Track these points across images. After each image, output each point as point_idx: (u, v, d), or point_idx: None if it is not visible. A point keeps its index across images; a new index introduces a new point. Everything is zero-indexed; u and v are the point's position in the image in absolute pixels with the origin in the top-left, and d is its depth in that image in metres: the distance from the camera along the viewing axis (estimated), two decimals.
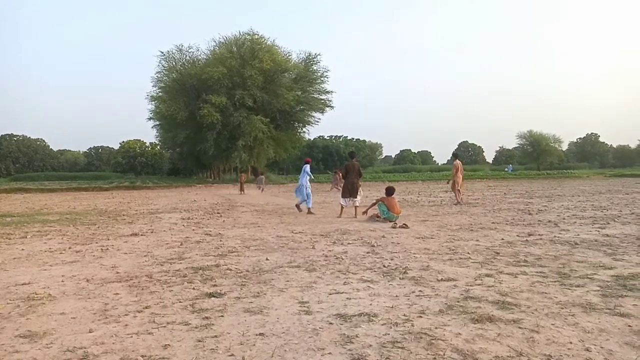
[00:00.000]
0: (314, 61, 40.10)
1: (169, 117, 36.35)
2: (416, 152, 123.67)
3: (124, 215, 12.47)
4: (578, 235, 7.18)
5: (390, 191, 9.76)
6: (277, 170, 66.03)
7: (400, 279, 4.47)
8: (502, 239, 6.88)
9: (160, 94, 40.00)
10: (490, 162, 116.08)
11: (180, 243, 7.05)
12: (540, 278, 4.41)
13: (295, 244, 6.82)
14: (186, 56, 39.97)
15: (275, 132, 37.32)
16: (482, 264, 5.08)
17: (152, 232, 8.62)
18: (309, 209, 12.05)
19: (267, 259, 5.58)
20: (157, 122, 44.23)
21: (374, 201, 10.01)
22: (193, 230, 8.79)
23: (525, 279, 4.40)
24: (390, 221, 9.29)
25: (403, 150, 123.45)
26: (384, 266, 5.06)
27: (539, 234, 7.36)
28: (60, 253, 6.39)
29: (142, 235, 8.18)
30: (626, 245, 6.15)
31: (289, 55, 40.28)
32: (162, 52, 38.89)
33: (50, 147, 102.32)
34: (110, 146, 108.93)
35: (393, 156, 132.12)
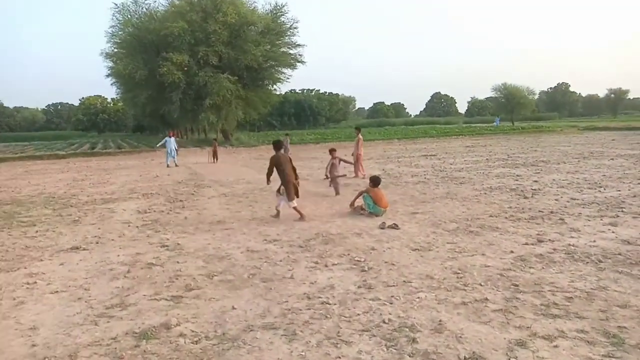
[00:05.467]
0: (281, 12, 37.20)
1: (127, 76, 33.34)
2: (389, 104, 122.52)
3: (71, 206, 10.94)
4: (594, 242, 6.28)
5: (376, 181, 8.59)
6: (248, 129, 63.70)
7: (410, 357, 3.39)
8: (512, 253, 5.90)
9: (116, 50, 36.65)
10: (463, 113, 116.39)
11: (128, 269, 5.77)
12: (584, 345, 3.43)
13: (270, 267, 5.66)
14: (142, 8, 36.40)
15: (243, 91, 34.87)
16: (505, 314, 4.06)
17: (97, 242, 7.27)
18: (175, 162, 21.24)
19: (233, 308, 4.42)
20: (115, 81, 40.86)
21: (359, 192, 8.84)
22: (147, 237, 7.48)
23: (567, 347, 3.41)
24: (376, 216, 8.22)
25: (376, 103, 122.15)
26: (384, 322, 3.97)
27: (549, 240, 6.43)
28: None
29: (84, 249, 6.83)
30: None
31: (254, 7, 37.16)
32: (116, 4, 35.23)
33: (5, 104, 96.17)
34: (70, 102, 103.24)
35: (366, 109, 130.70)
